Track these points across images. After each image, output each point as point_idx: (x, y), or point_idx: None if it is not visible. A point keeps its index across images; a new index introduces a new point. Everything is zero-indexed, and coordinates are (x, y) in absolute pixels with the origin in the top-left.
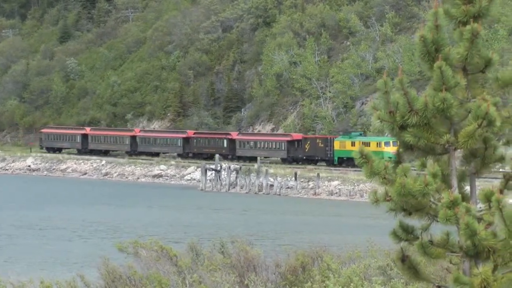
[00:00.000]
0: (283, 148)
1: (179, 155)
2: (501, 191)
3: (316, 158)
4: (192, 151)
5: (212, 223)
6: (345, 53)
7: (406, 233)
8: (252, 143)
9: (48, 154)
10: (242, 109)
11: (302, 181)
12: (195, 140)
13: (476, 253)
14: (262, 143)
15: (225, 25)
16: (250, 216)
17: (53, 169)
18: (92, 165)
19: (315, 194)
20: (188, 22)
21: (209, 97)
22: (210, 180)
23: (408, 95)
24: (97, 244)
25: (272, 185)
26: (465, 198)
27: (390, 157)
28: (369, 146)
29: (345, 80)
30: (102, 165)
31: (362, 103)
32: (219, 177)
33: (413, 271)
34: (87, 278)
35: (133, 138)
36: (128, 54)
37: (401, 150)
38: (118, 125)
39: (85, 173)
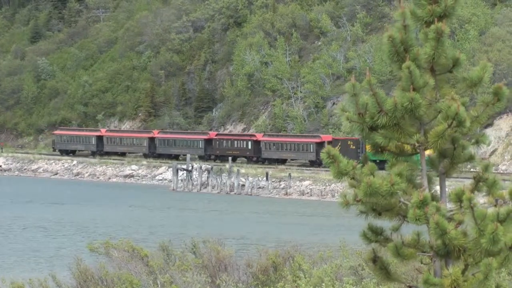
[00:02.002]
0: (311, 150)
1: (201, 158)
2: (471, 192)
3: None
4: (214, 153)
5: (182, 223)
6: (316, 53)
7: (375, 235)
8: (278, 145)
9: (19, 154)
10: (213, 109)
11: (273, 181)
12: (217, 142)
13: (446, 252)
14: (289, 144)
15: (196, 25)
16: (221, 215)
17: (25, 169)
18: (64, 165)
19: (286, 194)
20: (159, 22)
21: (180, 97)
22: (181, 180)
23: (377, 96)
24: (67, 244)
25: (243, 185)
26: (434, 198)
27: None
28: None
29: (316, 80)
30: (74, 165)
31: (333, 103)
32: (191, 177)
33: (385, 272)
34: (58, 278)
35: (152, 139)
36: (99, 54)
37: (371, 151)
38: (89, 125)
39: (56, 173)
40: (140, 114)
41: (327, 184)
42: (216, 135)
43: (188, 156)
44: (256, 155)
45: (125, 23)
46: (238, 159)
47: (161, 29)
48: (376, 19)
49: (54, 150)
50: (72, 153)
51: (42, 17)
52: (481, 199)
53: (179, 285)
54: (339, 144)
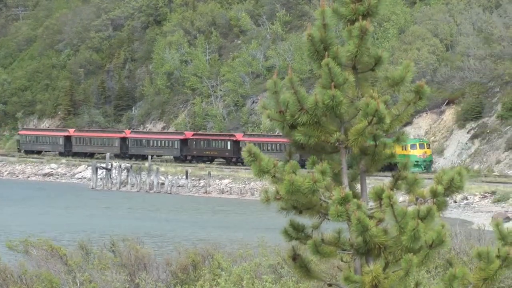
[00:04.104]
0: None
1: (176, 159)
2: (391, 190)
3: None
4: (191, 154)
5: (100, 221)
6: (235, 52)
7: (297, 232)
8: (260, 145)
9: None
10: (133, 108)
11: (193, 180)
12: (194, 142)
13: (367, 250)
14: (272, 145)
15: (116, 23)
16: (140, 214)
17: None
18: None
19: (206, 192)
20: (78, 20)
21: (99, 95)
22: (101, 179)
23: (298, 94)
24: None
25: (163, 184)
26: (356, 196)
27: (417, 161)
28: None
29: (236, 78)
30: None
31: (253, 102)
32: (110, 175)
33: (305, 270)
34: None
35: (124, 139)
36: (19, 53)
37: (292, 149)
38: (8, 124)
39: None
40: (59, 113)
41: (246, 182)
42: (193, 135)
43: (108, 154)
44: (235, 156)
45: (44, 21)
46: (216, 160)
47: (80, 27)
48: (296, 17)
49: (19, 151)
50: (38, 153)
51: None
52: (400, 197)
53: (99, 283)
54: None
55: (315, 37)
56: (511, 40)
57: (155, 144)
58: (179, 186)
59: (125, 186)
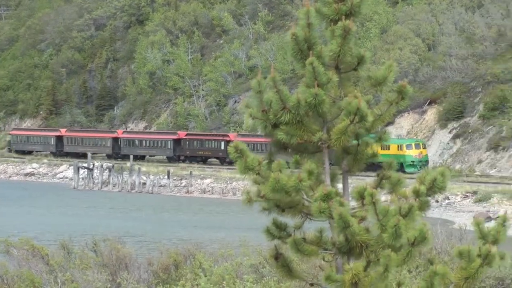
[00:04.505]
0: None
1: (169, 159)
2: (374, 189)
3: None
4: (184, 154)
5: (82, 221)
6: (218, 51)
7: (279, 230)
8: (253, 146)
9: None
10: (115, 107)
11: (175, 179)
12: (187, 142)
13: (349, 249)
14: (265, 145)
15: (98, 23)
16: (121, 214)
17: None
18: None
19: (187, 192)
20: (61, 20)
21: (81, 95)
22: (82, 178)
23: (280, 93)
24: None
25: (144, 183)
26: (337, 195)
27: (413, 161)
28: (389, 149)
29: (218, 78)
30: None
31: (235, 101)
32: (92, 175)
33: (286, 269)
34: None
35: (116, 140)
36: (0, 52)
37: (274, 148)
38: None
39: None
40: (41, 112)
41: (228, 182)
42: (186, 135)
43: (89, 154)
44: (229, 157)
45: (26, 21)
46: (209, 160)
47: (62, 27)
48: (278, 17)
49: (10, 151)
50: (29, 153)
51: None
52: (382, 197)
53: (80, 283)
54: None
55: (299, 37)
56: (493, 40)
57: (148, 144)
58: (161, 186)
59: (106, 186)
